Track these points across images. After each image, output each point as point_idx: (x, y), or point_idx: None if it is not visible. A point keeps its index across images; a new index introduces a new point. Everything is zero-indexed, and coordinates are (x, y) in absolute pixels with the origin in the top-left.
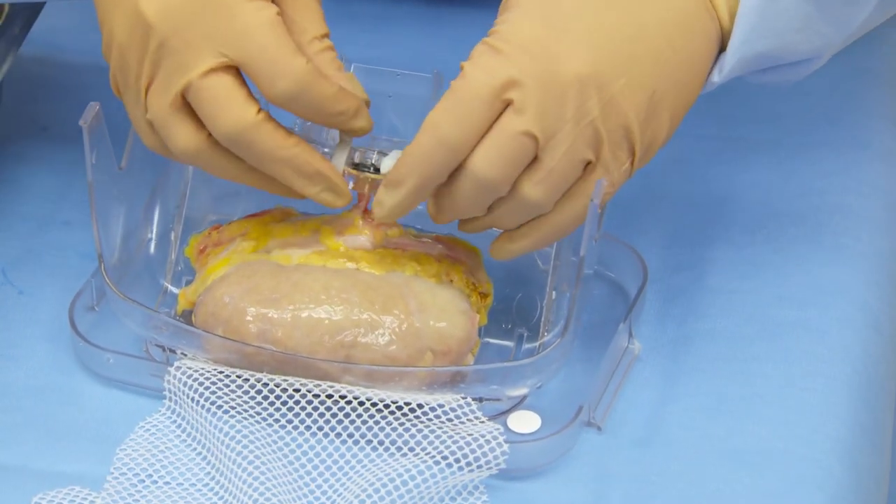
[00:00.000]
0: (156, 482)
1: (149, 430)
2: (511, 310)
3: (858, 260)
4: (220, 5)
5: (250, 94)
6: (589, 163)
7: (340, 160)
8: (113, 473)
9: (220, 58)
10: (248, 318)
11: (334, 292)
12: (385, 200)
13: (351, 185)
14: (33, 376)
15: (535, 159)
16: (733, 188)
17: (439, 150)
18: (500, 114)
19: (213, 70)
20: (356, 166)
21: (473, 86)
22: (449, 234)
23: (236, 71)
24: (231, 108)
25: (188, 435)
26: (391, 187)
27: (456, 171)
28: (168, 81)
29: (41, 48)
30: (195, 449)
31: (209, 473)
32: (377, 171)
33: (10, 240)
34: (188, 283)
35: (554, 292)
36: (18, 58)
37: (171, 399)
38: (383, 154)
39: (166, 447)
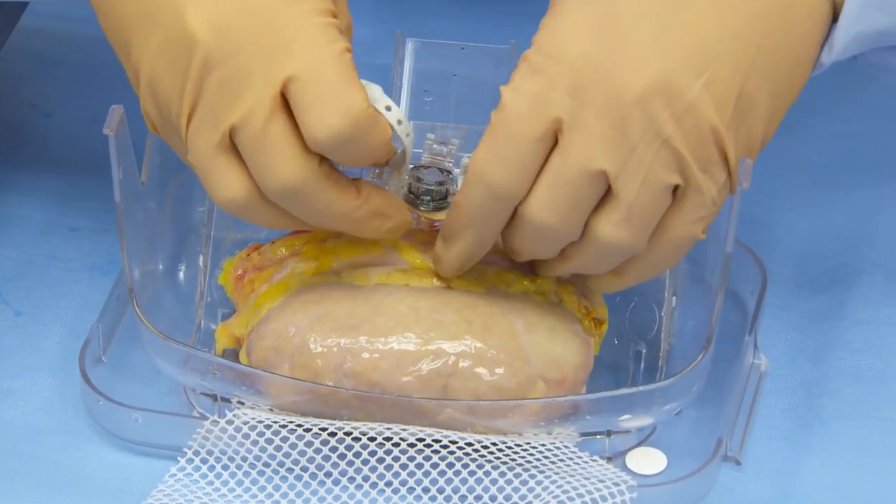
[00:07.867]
0: None
1: (181, 480)
2: (624, 321)
3: None
4: (285, 27)
5: None
6: (677, 187)
7: (398, 188)
8: None
9: (277, 89)
10: (321, 350)
11: (424, 313)
12: (443, 256)
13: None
14: (33, 415)
15: (609, 196)
16: (879, 208)
17: (490, 201)
18: (553, 148)
19: (274, 108)
20: (413, 197)
21: (518, 122)
22: None
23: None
24: (291, 158)
25: (230, 491)
26: (446, 241)
27: (514, 217)
28: (214, 115)
29: (43, 18)
30: None
31: None
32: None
33: (6, 249)
34: (225, 316)
35: (674, 298)
36: (17, 29)
37: (212, 456)
38: (443, 171)
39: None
